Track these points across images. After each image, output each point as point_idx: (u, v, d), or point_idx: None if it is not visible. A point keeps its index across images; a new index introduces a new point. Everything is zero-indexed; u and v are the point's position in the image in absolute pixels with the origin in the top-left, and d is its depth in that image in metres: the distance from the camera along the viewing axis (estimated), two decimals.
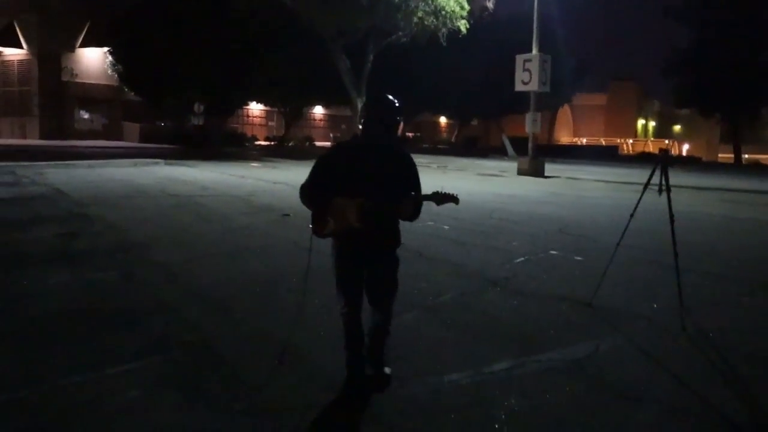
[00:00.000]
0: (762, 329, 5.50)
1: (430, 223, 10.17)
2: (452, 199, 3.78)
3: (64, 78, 41.52)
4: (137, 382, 4.03)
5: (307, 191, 3.84)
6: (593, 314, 5.68)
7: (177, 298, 5.88)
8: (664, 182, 5.70)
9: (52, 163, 20.53)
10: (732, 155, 50.94)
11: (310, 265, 4.28)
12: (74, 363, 4.29)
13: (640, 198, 6.07)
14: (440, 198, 3.76)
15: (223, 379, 4.14)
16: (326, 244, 4.00)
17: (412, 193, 3.75)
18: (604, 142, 70.27)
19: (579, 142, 75.16)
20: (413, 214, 3.77)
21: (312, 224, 3.89)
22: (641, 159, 43.14)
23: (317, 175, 3.83)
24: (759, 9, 43.58)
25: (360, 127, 3.83)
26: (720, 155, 70.72)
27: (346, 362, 4.05)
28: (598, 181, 21.76)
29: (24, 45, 40.99)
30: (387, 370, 4.09)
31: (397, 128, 3.91)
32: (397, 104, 3.82)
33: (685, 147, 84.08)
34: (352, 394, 3.93)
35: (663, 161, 5.82)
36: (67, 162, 21.01)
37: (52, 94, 41.10)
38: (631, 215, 6.12)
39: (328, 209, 3.75)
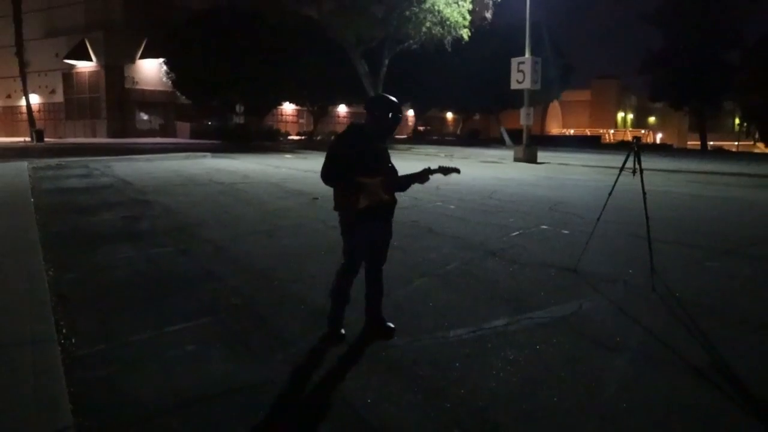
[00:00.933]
0: (722, 289, 5.47)
1: (438, 203, 10.17)
2: (455, 170, 4.07)
3: (127, 85, 41.94)
4: (193, 338, 4.11)
5: (330, 175, 3.87)
6: (577, 278, 5.68)
7: (223, 269, 5.95)
8: (637, 165, 5.67)
9: (118, 157, 20.70)
10: (699, 143, 50.34)
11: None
12: (140, 323, 4.38)
13: (617, 179, 6.04)
14: (446, 170, 4.01)
15: (263, 335, 4.21)
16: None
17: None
18: (588, 133, 69.50)
19: (567, 133, 74.40)
20: (407, 187, 4.04)
21: (338, 203, 3.91)
22: (621, 147, 42.67)
23: (335, 161, 3.85)
24: (721, 15, 43.11)
25: (371, 116, 3.87)
26: (689, 143, 69.82)
27: (336, 320, 4.13)
28: (584, 166, 21.55)
29: (93, 58, 41.39)
30: (390, 324, 4.22)
31: (397, 126, 4.04)
32: (399, 105, 3.94)
33: (659, 136, 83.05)
34: (330, 343, 4.05)
35: (636, 147, 5.78)
36: (130, 156, 21.18)
37: (117, 100, 41.57)
38: (609, 194, 6.09)
39: (357, 189, 3.79)
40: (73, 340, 4.04)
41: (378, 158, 3.89)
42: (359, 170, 3.78)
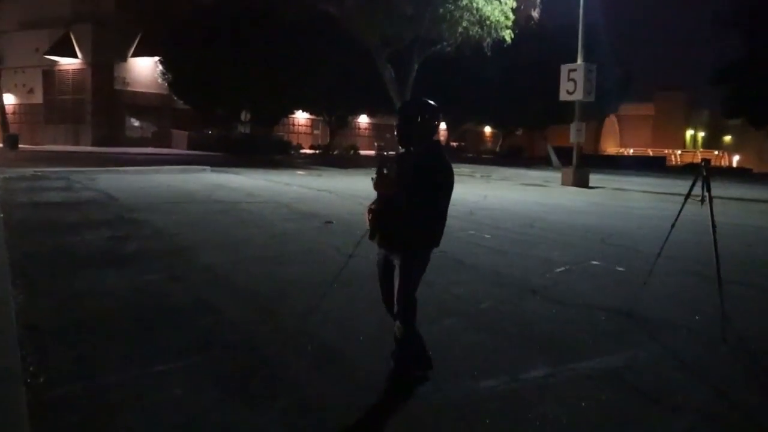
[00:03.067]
0: None
1: (471, 231, 10.19)
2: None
3: (116, 86, 42.53)
4: (181, 379, 4.15)
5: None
6: (632, 324, 5.65)
7: (221, 299, 6.02)
8: (705, 192, 5.66)
9: (103, 169, 21.05)
10: None
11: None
12: (123, 359, 4.44)
13: (681, 208, 6.02)
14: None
15: (263, 377, 4.25)
16: (370, 250, 4.12)
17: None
18: (651, 153, 69.16)
19: (625, 153, 74.11)
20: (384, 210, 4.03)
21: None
22: (689, 170, 42.35)
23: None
24: None
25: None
26: None
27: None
28: (644, 192, 21.45)
29: (79, 55, 42.07)
30: (392, 363, 4.25)
31: (417, 126, 4.04)
32: (408, 106, 4.09)
33: (736, 158, 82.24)
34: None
35: (704, 171, 5.77)
36: (117, 168, 21.52)
37: (105, 103, 42.12)
38: (672, 225, 6.08)
39: None
40: (42, 379, 4.09)
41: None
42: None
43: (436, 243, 4.06)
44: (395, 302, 4.07)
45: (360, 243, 4.40)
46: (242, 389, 4.07)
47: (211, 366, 4.42)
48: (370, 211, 4.05)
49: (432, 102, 4.09)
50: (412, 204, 3.85)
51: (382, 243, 4.10)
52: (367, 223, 4.09)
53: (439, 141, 4.21)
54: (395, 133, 4.10)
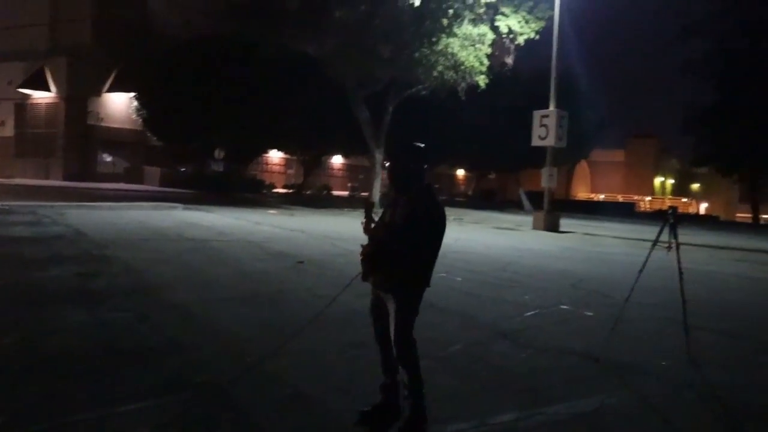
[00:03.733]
0: None
1: (442, 274, 10.23)
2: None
3: (90, 121, 42.30)
4: (147, 421, 4.10)
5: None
6: (601, 369, 5.70)
7: (191, 339, 5.96)
8: (673, 239, 5.78)
9: (74, 203, 20.86)
10: (750, 215, 50.71)
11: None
12: (87, 400, 4.38)
13: (649, 254, 6.14)
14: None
15: (233, 421, 4.21)
16: (347, 293, 4.13)
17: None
18: (621, 199, 70.24)
19: (596, 198, 75.17)
20: (376, 253, 4.05)
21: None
22: (658, 216, 43.03)
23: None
24: None
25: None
26: (738, 215, 70.37)
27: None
28: (614, 237, 21.73)
29: (52, 88, 41.90)
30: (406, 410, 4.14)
31: (411, 171, 4.12)
32: (402, 149, 4.15)
33: (703, 206, 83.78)
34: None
35: (672, 218, 5.90)
36: (88, 203, 21.34)
37: (77, 137, 41.85)
38: (640, 271, 6.18)
39: None
40: (5, 418, 4.03)
41: (381, 217, 4.18)
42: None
43: (428, 283, 4.11)
44: (393, 346, 4.06)
45: (350, 285, 4.47)
46: None
47: (178, 407, 4.36)
48: (364, 252, 4.08)
49: (422, 145, 4.17)
50: (407, 247, 3.92)
51: (376, 284, 4.14)
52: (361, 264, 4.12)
53: (431, 184, 4.25)
54: (391, 177, 4.14)
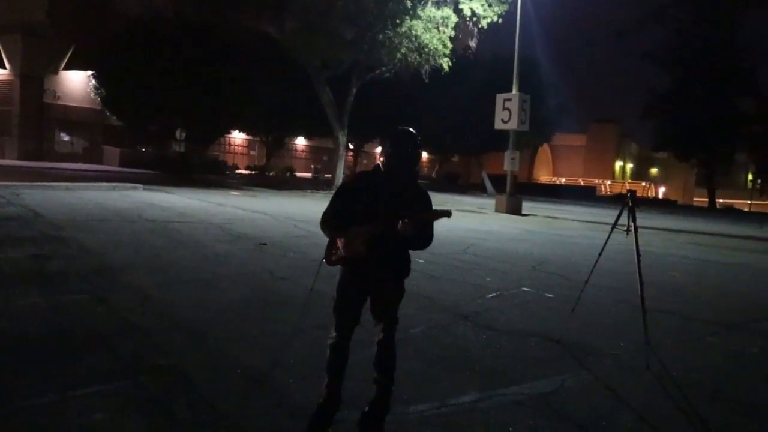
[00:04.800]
0: (725, 369, 5.62)
1: None
2: (444, 213, 3.86)
3: (46, 100, 41.40)
4: (104, 405, 4.03)
5: (326, 219, 3.93)
6: (560, 350, 5.77)
7: (149, 322, 5.88)
8: (631, 222, 5.84)
9: (29, 184, 20.40)
10: (707, 199, 51.80)
11: (312, 291, 4.41)
12: (41, 384, 4.29)
13: (608, 237, 6.21)
14: (432, 215, 3.86)
15: (191, 404, 4.16)
16: (310, 275, 4.08)
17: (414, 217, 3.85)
18: (582, 182, 71.06)
19: (558, 182, 75.94)
20: (419, 238, 3.90)
21: (325, 252, 4.00)
22: (618, 200, 43.68)
23: (338, 204, 3.94)
24: (735, 58, 44.64)
25: (382, 159, 3.93)
26: (695, 199, 71.85)
27: (328, 392, 3.96)
28: (575, 220, 22.02)
29: (7, 65, 40.87)
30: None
31: (419, 160, 4.03)
32: (417, 137, 3.96)
33: (662, 190, 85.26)
34: (320, 421, 3.91)
35: (630, 202, 5.97)
36: (44, 183, 20.87)
37: (33, 115, 40.93)
38: (599, 254, 6.25)
39: (340, 236, 3.83)
40: None
41: (383, 203, 3.86)
42: (367, 218, 3.81)
43: None
44: (387, 335, 4.07)
45: (318, 269, 4.33)
46: (167, 415, 3.98)
47: (135, 391, 4.30)
48: (367, 232, 3.78)
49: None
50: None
51: (375, 271, 3.94)
52: (355, 245, 3.78)
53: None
54: (403, 162, 3.88)
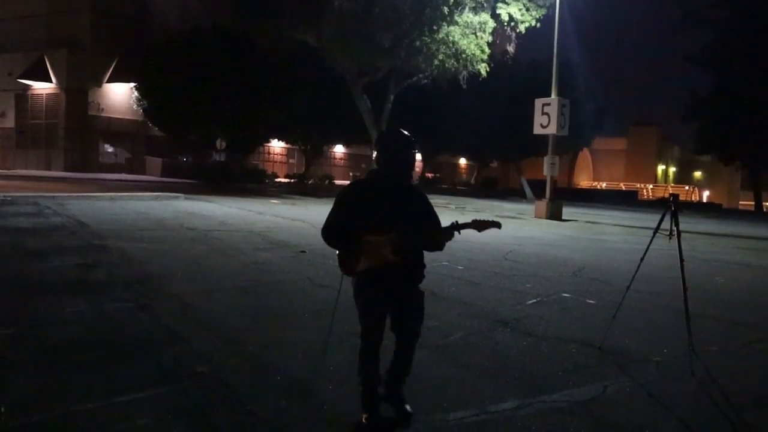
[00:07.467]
0: None
1: (444, 263, 10.21)
2: (493, 224, 3.93)
3: (91, 112, 42.25)
4: (147, 410, 4.09)
5: (331, 231, 3.92)
6: (602, 357, 5.69)
7: (190, 329, 5.95)
8: (674, 227, 5.74)
9: (75, 194, 20.83)
10: (753, 203, 50.64)
11: (338, 303, 4.44)
12: (86, 390, 4.36)
13: (650, 242, 6.11)
14: (480, 224, 3.92)
15: (231, 411, 4.20)
16: (347, 281, 4.08)
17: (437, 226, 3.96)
18: (623, 187, 70.14)
19: (598, 186, 75.04)
20: (442, 245, 3.95)
21: (340, 264, 3.98)
22: (660, 204, 42.97)
23: (341, 214, 3.91)
24: None
25: (377, 163, 3.93)
26: (741, 202, 70.28)
27: (367, 404, 3.98)
28: (616, 225, 21.71)
29: (53, 79, 41.83)
30: (408, 407, 4.10)
31: (415, 161, 4.04)
32: (412, 138, 3.96)
33: (706, 193, 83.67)
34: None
35: (673, 206, 5.87)
36: (89, 194, 21.31)
37: (78, 128, 41.83)
38: (641, 259, 6.15)
39: (359, 247, 3.81)
40: (2, 409, 4.00)
41: (398, 212, 3.86)
42: (372, 225, 3.80)
43: None
44: (407, 343, 4.08)
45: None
46: (208, 422, 4.02)
47: (177, 397, 4.36)
48: (392, 241, 3.78)
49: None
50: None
51: (400, 279, 3.93)
52: (384, 255, 3.80)
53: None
54: (403, 165, 3.92)
